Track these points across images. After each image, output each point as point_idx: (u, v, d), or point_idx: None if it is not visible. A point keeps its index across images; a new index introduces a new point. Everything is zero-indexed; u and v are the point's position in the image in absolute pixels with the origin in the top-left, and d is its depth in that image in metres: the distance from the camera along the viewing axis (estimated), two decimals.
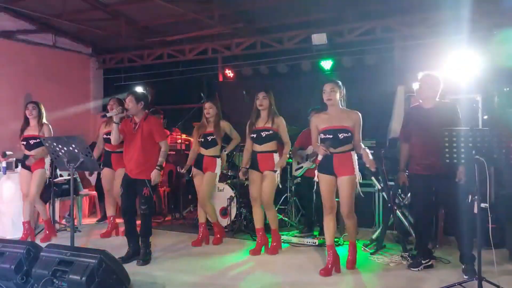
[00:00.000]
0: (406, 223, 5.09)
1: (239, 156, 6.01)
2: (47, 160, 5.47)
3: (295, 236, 5.44)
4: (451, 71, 6.02)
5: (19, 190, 5.67)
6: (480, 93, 5.31)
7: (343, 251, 4.53)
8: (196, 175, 5.32)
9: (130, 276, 3.65)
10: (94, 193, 7.04)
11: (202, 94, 6.49)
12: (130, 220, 4.68)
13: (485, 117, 5.37)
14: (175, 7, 6.58)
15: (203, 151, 5.25)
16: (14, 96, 7.73)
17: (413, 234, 4.79)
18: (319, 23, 7.31)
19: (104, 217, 6.70)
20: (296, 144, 5.85)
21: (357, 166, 4.14)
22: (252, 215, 5.76)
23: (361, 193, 4.26)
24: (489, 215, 3.66)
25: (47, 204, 5.91)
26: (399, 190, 5.07)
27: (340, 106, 4.21)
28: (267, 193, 4.78)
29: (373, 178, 5.25)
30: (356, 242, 4.46)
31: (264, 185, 4.79)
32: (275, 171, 4.78)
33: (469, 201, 4.41)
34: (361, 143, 4.19)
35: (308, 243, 5.21)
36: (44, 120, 5.51)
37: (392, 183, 5.11)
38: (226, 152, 5.30)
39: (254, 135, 4.85)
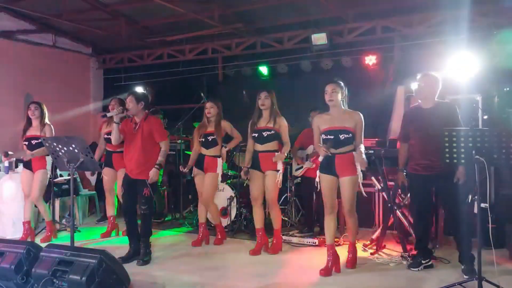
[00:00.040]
0: (406, 223, 5.09)
1: (239, 156, 6.00)
2: (49, 161, 5.47)
3: (295, 236, 5.44)
4: (451, 71, 6.02)
5: (20, 190, 5.67)
6: (480, 93, 5.31)
7: (343, 251, 4.53)
8: (197, 174, 5.32)
9: (130, 276, 3.65)
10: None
11: (202, 94, 6.49)
12: (131, 220, 4.68)
13: (485, 117, 5.37)
14: (175, 7, 6.58)
15: (204, 151, 5.25)
16: (14, 96, 7.73)
17: (413, 234, 4.79)
18: (319, 23, 7.31)
19: (104, 217, 6.70)
20: (296, 144, 5.86)
21: (359, 167, 4.15)
22: (252, 215, 5.79)
23: (364, 193, 4.26)
24: (489, 215, 3.66)
25: (47, 204, 5.91)
26: (399, 190, 5.07)
27: (342, 107, 4.22)
28: (271, 192, 4.79)
29: (373, 178, 5.25)
30: (356, 242, 4.47)
31: (267, 184, 4.80)
32: (277, 170, 4.78)
33: (469, 201, 4.42)
34: (361, 144, 4.19)
35: (308, 243, 5.21)
36: (47, 121, 5.52)
37: (392, 183, 5.11)
38: (226, 149, 5.29)
39: (256, 135, 4.86)
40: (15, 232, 5.69)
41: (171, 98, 8.73)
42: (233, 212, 5.91)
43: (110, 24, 7.73)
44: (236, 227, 5.78)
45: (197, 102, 6.58)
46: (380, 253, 4.79)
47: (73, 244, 3.94)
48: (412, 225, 4.90)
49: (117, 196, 5.69)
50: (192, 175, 5.42)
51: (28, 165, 5.49)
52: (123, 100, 5.17)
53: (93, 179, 7.12)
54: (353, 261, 4.33)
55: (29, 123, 5.52)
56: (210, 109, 5.22)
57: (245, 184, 6.05)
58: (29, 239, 5.39)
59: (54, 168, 5.79)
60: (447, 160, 3.52)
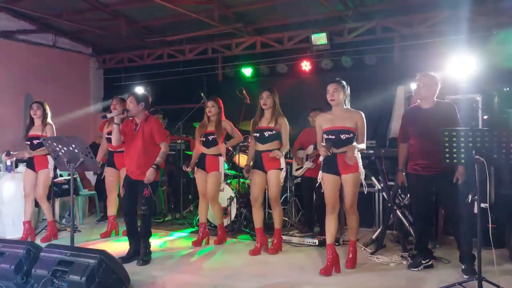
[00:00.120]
0: (406, 223, 5.09)
1: (239, 156, 6.00)
2: (51, 160, 5.47)
3: (295, 236, 5.44)
4: (451, 71, 6.03)
5: (20, 190, 5.67)
6: (480, 93, 5.31)
7: (343, 251, 4.53)
8: (198, 173, 5.32)
9: (130, 276, 3.66)
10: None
11: (202, 94, 6.49)
12: (131, 220, 4.69)
13: (485, 117, 5.37)
14: (175, 7, 6.58)
15: (205, 150, 5.25)
16: (14, 96, 7.74)
17: (413, 234, 4.80)
18: (319, 23, 7.31)
19: (104, 217, 6.70)
20: (296, 144, 5.86)
21: (361, 164, 4.20)
22: (252, 215, 5.79)
23: (364, 191, 4.26)
24: (489, 215, 3.66)
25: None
26: (399, 190, 5.08)
27: (344, 106, 4.23)
28: (274, 191, 4.80)
29: (373, 178, 5.25)
30: (357, 241, 4.47)
31: (270, 182, 4.80)
32: (281, 169, 4.79)
33: (469, 201, 4.42)
34: (362, 143, 4.21)
35: (308, 243, 5.21)
36: (49, 120, 5.52)
37: (392, 183, 5.11)
38: (226, 145, 5.27)
39: (257, 135, 4.86)
40: (15, 232, 5.69)
41: (171, 98, 8.74)
42: (233, 212, 5.91)
43: (110, 24, 7.74)
44: (236, 227, 5.78)
45: (197, 102, 6.57)
46: (380, 253, 4.78)
47: (73, 244, 3.93)
48: (412, 225, 4.91)
49: (119, 195, 5.68)
50: (193, 175, 5.42)
51: (30, 165, 5.50)
52: (124, 99, 5.16)
53: (93, 179, 7.12)
54: (353, 261, 4.33)
55: (31, 122, 5.53)
56: (211, 108, 5.22)
57: (242, 183, 6.05)
58: (29, 239, 5.40)
59: (54, 168, 5.79)
60: (447, 160, 3.52)
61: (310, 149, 5.70)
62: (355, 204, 4.23)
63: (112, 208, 5.83)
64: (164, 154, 4.63)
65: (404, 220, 5.09)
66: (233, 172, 6.44)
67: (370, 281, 4.02)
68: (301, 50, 7.68)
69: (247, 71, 8.33)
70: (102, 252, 3.39)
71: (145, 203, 4.55)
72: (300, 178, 6.01)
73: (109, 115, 4.82)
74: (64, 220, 6.53)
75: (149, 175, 4.49)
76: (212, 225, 5.80)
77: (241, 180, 6.04)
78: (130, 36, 8.08)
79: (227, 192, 5.96)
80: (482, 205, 3.64)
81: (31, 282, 3.53)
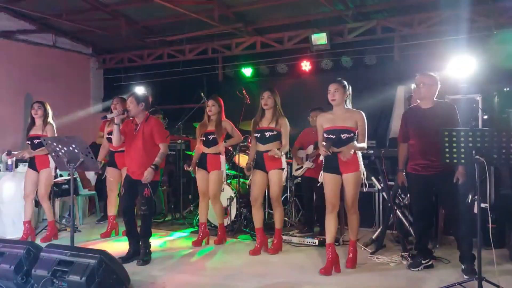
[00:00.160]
0: (406, 223, 5.09)
1: (239, 156, 6.00)
2: (52, 159, 5.47)
3: (295, 236, 5.44)
4: (451, 71, 6.03)
5: (20, 190, 5.67)
6: (480, 93, 5.31)
7: (343, 251, 4.54)
8: (199, 173, 5.32)
9: (130, 276, 3.66)
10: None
11: (202, 94, 6.49)
12: (130, 220, 4.69)
13: (485, 117, 5.38)
14: (175, 7, 6.58)
15: (205, 149, 5.25)
16: (14, 96, 7.73)
17: (413, 234, 4.80)
18: (319, 23, 7.31)
19: (104, 217, 6.70)
20: (296, 144, 5.86)
21: (362, 163, 4.23)
22: (252, 215, 5.79)
23: (364, 189, 4.28)
24: (489, 215, 3.66)
25: None
26: (399, 190, 5.08)
27: (346, 106, 4.25)
28: (276, 190, 4.80)
29: (373, 178, 5.25)
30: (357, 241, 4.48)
31: (272, 181, 4.80)
32: (282, 169, 4.80)
33: (469, 201, 4.42)
34: (363, 143, 4.22)
35: (308, 243, 5.21)
36: (50, 120, 5.52)
37: (392, 183, 5.12)
38: (225, 144, 5.27)
39: (258, 135, 4.87)
40: (15, 232, 5.69)
41: (171, 98, 8.74)
42: (233, 212, 5.91)
43: (110, 24, 7.73)
44: (236, 227, 5.78)
45: (197, 102, 6.57)
46: (380, 253, 4.78)
47: (73, 244, 3.94)
48: (412, 225, 4.91)
49: (119, 195, 5.69)
50: (194, 174, 5.43)
51: (32, 164, 5.51)
52: (125, 99, 5.16)
53: (93, 179, 7.12)
54: (353, 261, 4.34)
55: (32, 122, 5.54)
56: (212, 107, 5.23)
57: (247, 185, 6.04)
58: (29, 239, 5.40)
59: (54, 167, 5.79)
60: (447, 160, 3.52)
61: (310, 149, 5.70)
62: (356, 203, 4.25)
63: (112, 208, 5.83)
64: (163, 155, 4.63)
65: (404, 220, 5.09)
66: (233, 172, 6.44)
67: (370, 281, 4.02)
68: (301, 50, 7.68)
69: (247, 71, 8.35)
70: (102, 252, 3.39)
71: (145, 203, 4.55)
72: (300, 178, 6.01)
73: (109, 116, 4.82)
74: (64, 220, 6.53)
75: (147, 175, 4.48)
76: (212, 225, 5.80)
77: (241, 180, 6.04)
78: (130, 36, 8.07)
79: (227, 192, 5.96)
80: (482, 205, 3.64)
81: (31, 282, 3.54)
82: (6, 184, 5.81)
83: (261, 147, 4.85)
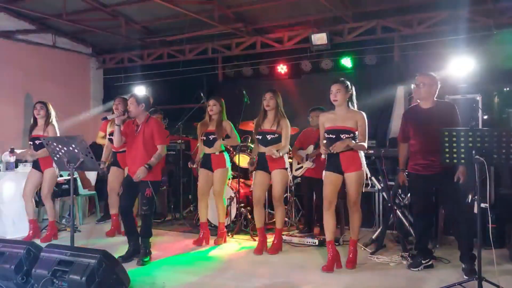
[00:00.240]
0: (406, 223, 5.09)
1: (239, 156, 6.00)
2: None
3: (295, 236, 5.44)
4: (451, 71, 6.03)
5: (20, 190, 5.67)
6: (480, 93, 5.31)
7: (343, 251, 4.54)
8: (202, 172, 5.34)
9: (130, 276, 3.65)
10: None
11: (201, 94, 6.49)
12: (129, 219, 4.70)
13: (485, 117, 5.38)
14: (175, 7, 6.58)
15: (207, 150, 5.27)
16: (14, 96, 7.73)
17: (413, 234, 4.80)
18: (319, 23, 7.31)
19: (104, 217, 6.71)
20: (296, 144, 5.86)
21: (365, 163, 4.28)
22: (251, 215, 5.79)
23: (363, 188, 4.32)
24: (489, 215, 3.66)
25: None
26: (399, 190, 5.08)
27: (348, 106, 4.28)
28: (278, 190, 4.82)
29: (373, 178, 5.25)
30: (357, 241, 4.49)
31: (275, 181, 4.82)
32: (285, 169, 4.82)
33: (469, 201, 4.42)
34: (363, 142, 4.24)
35: (308, 243, 5.21)
36: (52, 120, 5.52)
37: (392, 183, 5.12)
38: (222, 142, 5.27)
39: (260, 137, 4.88)
40: (15, 232, 5.69)
41: (171, 98, 8.73)
42: (233, 212, 5.91)
43: (110, 24, 7.73)
44: (236, 227, 5.78)
45: (197, 102, 6.58)
46: (380, 253, 4.78)
47: (73, 244, 3.94)
48: (412, 225, 4.91)
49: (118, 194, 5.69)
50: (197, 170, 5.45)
51: (36, 165, 5.52)
52: (126, 99, 5.17)
53: (93, 179, 7.12)
54: (353, 261, 4.34)
55: (35, 122, 5.54)
56: (213, 106, 5.23)
57: (251, 188, 6.04)
58: (35, 237, 5.44)
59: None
60: (447, 160, 3.52)
61: (310, 149, 5.70)
62: (359, 202, 4.31)
63: (114, 207, 5.83)
64: (160, 156, 4.61)
65: (404, 220, 5.09)
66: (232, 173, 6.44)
67: (370, 281, 4.02)
68: (301, 50, 7.68)
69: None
70: (102, 252, 3.39)
71: (146, 203, 4.56)
72: (300, 178, 6.01)
73: (109, 117, 4.83)
74: (64, 220, 6.53)
75: (139, 173, 4.48)
76: (212, 225, 5.79)
77: (241, 180, 6.04)
78: (130, 36, 8.08)
79: (227, 192, 5.96)
80: (482, 205, 3.64)
81: (31, 282, 3.53)
82: (6, 184, 5.81)
83: (263, 149, 4.87)
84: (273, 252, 4.87)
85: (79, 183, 6.66)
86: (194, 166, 5.42)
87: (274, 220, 5.11)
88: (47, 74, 8.22)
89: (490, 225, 3.86)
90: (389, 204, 4.98)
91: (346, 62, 7.48)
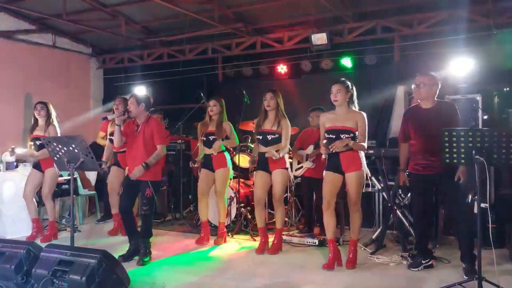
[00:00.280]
0: (406, 223, 5.08)
1: (239, 156, 6.00)
2: None
3: (295, 236, 5.44)
4: (451, 71, 6.03)
5: (20, 190, 5.68)
6: (480, 93, 5.32)
7: (343, 251, 4.54)
8: (203, 173, 5.35)
9: (130, 276, 3.65)
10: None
11: (201, 94, 6.49)
12: (129, 218, 4.71)
13: (485, 117, 5.38)
14: (175, 7, 6.58)
15: (207, 150, 5.27)
16: (14, 96, 7.73)
17: (413, 234, 4.80)
18: (319, 23, 7.31)
19: (104, 217, 6.71)
20: (296, 144, 5.86)
21: (365, 163, 4.30)
22: (251, 215, 5.79)
23: (363, 189, 4.35)
24: (489, 215, 3.66)
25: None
26: (399, 190, 5.07)
27: (349, 107, 4.29)
28: (279, 190, 4.83)
29: (373, 178, 5.25)
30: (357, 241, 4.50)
31: (275, 181, 4.83)
32: (286, 169, 4.83)
33: (469, 201, 4.42)
34: (363, 143, 4.25)
35: (308, 243, 5.21)
36: (53, 120, 5.52)
37: (392, 183, 5.11)
38: (221, 142, 5.27)
39: (260, 137, 4.89)
40: (15, 232, 5.69)
41: (171, 98, 8.73)
42: (233, 212, 5.91)
43: (110, 24, 7.73)
44: (236, 227, 5.78)
45: (197, 102, 6.58)
46: (380, 253, 4.78)
47: (73, 244, 3.94)
48: (412, 225, 4.91)
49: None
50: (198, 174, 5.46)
51: (37, 165, 5.53)
52: (127, 99, 5.17)
53: (93, 179, 7.12)
54: (353, 261, 4.34)
55: (36, 123, 5.54)
56: (213, 107, 5.24)
57: (251, 188, 6.03)
58: (39, 236, 5.47)
59: None
60: (447, 160, 3.52)
61: (310, 149, 5.70)
62: (359, 201, 4.33)
63: (115, 206, 5.83)
64: (158, 156, 4.60)
65: (404, 220, 5.09)
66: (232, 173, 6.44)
67: (370, 281, 4.02)
68: (301, 50, 7.68)
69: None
70: (102, 252, 3.39)
71: (146, 203, 4.56)
72: (300, 178, 6.01)
73: (110, 116, 4.83)
74: (64, 220, 6.53)
75: (136, 172, 4.49)
76: (212, 225, 5.79)
77: (241, 180, 6.04)
78: (130, 36, 8.07)
79: (227, 192, 5.96)
80: (482, 205, 3.64)
81: (31, 282, 3.54)
82: (6, 184, 5.81)
83: (264, 149, 4.87)
84: (273, 252, 4.87)
85: (79, 183, 6.67)
86: (196, 165, 5.43)
87: (274, 220, 5.12)
88: (47, 74, 8.22)
89: (490, 225, 3.86)
90: (389, 204, 4.98)
91: (346, 62, 7.47)
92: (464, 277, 3.86)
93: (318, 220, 5.55)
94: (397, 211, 4.99)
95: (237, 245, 5.33)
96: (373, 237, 5.16)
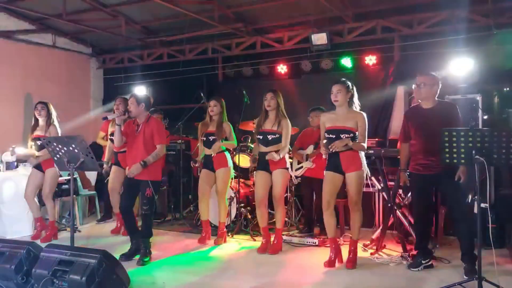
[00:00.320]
0: (406, 223, 5.08)
1: (239, 156, 6.00)
2: None
3: (295, 236, 5.44)
4: (451, 71, 6.03)
5: (19, 190, 5.68)
6: (480, 93, 5.32)
7: (343, 251, 4.54)
8: (204, 173, 5.35)
9: (130, 276, 3.66)
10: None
11: (201, 94, 6.49)
12: (129, 218, 4.71)
13: (485, 117, 5.38)
14: (175, 7, 6.58)
15: (207, 151, 5.27)
16: (14, 96, 7.73)
17: (413, 234, 4.80)
18: (319, 23, 7.31)
19: (104, 217, 6.71)
20: (296, 144, 5.86)
21: (365, 163, 4.32)
22: (251, 215, 5.79)
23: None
24: (489, 215, 3.66)
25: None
26: (399, 190, 5.07)
27: (349, 107, 4.31)
28: (279, 190, 4.83)
29: (373, 178, 5.25)
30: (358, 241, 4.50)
31: (275, 181, 4.83)
32: (286, 169, 4.84)
33: (469, 201, 4.42)
34: (363, 143, 4.26)
35: (308, 243, 5.21)
36: (54, 120, 5.52)
37: (392, 183, 5.11)
38: (220, 144, 5.28)
39: (261, 137, 4.89)
40: (15, 232, 5.69)
41: (171, 98, 8.73)
42: (233, 212, 5.91)
43: (110, 24, 7.73)
44: (236, 227, 5.78)
45: (197, 102, 6.58)
46: (380, 253, 4.78)
47: (73, 244, 3.94)
48: (412, 225, 4.91)
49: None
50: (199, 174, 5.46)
51: (38, 165, 5.53)
52: (127, 99, 5.17)
53: (93, 179, 7.12)
54: (353, 261, 4.35)
55: (36, 123, 5.55)
56: (214, 107, 5.24)
57: (251, 189, 6.03)
58: (43, 234, 5.50)
59: None
60: (447, 160, 3.52)
61: (310, 149, 5.70)
62: (360, 201, 4.34)
63: (117, 206, 5.84)
64: (157, 155, 4.59)
65: (404, 220, 5.09)
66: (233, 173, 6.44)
67: (370, 281, 4.02)
68: (301, 50, 7.68)
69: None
70: (102, 252, 3.39)
71: (146, 203, 4.56)
72: (300, 178, 6.01)
73: (110, 116, 4.83)
74: (64, 220, 6.53)
75: (133, 170, 4.50)
76: (212, 225, 5.79)
77: (241, 180, 6.04)
78: (130, 36, 8.07)
79: (228, 192, 5.95)
80: (482, 205, 3.64)
81: (31, 282, 3.54)
82: (6, 184, 5.81)
83: (264, 149, 4.88)
84: (273, 252, 4.87)
85: (79, 183, 6.67)
86: (197, 165, 5.43)
87: (274, 220, 5.12)
88: (47, 74, 8.22)
89: (490, 225, 3.86)
90: (389, 204, 4.98)
91: (346, 62, 7.47)
92: (464, 277, 3.86)
93: (318, 220, 5.55)
94: (397, 211, 4.99)
95: (237, 245, 5.33)
96: (373, 237, 5.16)
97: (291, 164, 6.09)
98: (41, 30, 8.18)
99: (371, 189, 5.47)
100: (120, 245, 5.03)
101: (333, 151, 4.20)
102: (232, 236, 5.60)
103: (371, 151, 5.00)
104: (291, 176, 6.11)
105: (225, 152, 5.32)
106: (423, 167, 4.11)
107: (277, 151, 4.74)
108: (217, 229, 5.49)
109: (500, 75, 6.15)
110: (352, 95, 4.32)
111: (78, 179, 6.67)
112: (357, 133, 4.25)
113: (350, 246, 4.41)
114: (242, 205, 5.92)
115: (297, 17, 7.27)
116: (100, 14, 7.40)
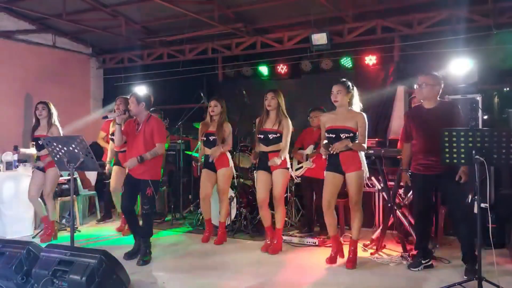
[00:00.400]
0: (406, 223, 5.08)
1: (239, 156, 6.00)
2: None
3: (295, 236, 5.44)
4: (451, 71, 6.03)
5: (19, 190, 5.68)
6: (480, 93, 5.32)
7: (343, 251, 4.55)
8: (205, 173, 5.36)
9: (130, 276, 3.66)
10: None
11: (201, 94, 6.49)
12: (131, 217, 4.72)
13: (485, 117, 5.37)
14: (175, 7, 6.58)
15: (207, 151, 5.27)
16: (14, 96, 7.73)
17: (413, 234, 4.80)
18: (319, 23, 7.31)
19: (104, 217, 6.71)
20: (296, 144, 5.87)
21: (365, 163, 4.32)
22: (251, 215, 5.79)
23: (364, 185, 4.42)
24: (489, 215, 3.66)
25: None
26: (399, 190, 5.07)
27: (349, 107, 4.32)
28: (279, 190, 4.84)
29: (373, 178, 5.25)
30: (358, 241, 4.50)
31: (276, 181, 4.84)
32: (287, 168, 4.84)
33: (469, 201, 4.42)
34: (363, 143, 4.27)
35: (308, 243, 5.21)
36: (55, 121, 5.52)
37: (392, 183, 5.11)
38: (221, 149, 5.28)
39: (262, 136, 4.89)
40: (15, 232, 5.69)
41: (171, 98, 8.73)
42: (233, 212, 5.91)
43: (110, 24, 7.73)
44: (236, 227, 5.78)
45: (197, 102, 6.58)
46: (380, 253, 4.78)
47: (73, 244, 3.94)
48: (412, 225, 4.91)
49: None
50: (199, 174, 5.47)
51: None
52: (128, 99, 5.17)
53: (93, 179, 7.12)
54: (353, 261, 4.35)
55: (37, 123, 5.54)
56: (214, 107, 5.24)
57: (242, 181, 6.03)
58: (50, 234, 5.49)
59: None
60: (447, 160, 3.52)
61: (310, 149, 5.70)
62: (360, 201, 4.36)
63: (118, 205, 5.84)
64: (155, 153, 4.58)
65: (404, 220, 5.09)
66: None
67: (370, 281, 4.02)
68: (301, 50, 7.68)
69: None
70: (102, 252, 3.39)
71: (147, 202, 4.56)
72: (300, 178, 6.01)
73: (110, 116, 4.83)
74: (64, 220, 6.53)
75: (129, 163, 4.51)
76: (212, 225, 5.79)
77: (241, 180, 6.04)
78: (130, 36, 8.07)
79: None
80: (482, 205, 3.64)
81: (31, 282, 3.54)
82: (6, 184, 5.81)
83: (265, 148, 4.88)
84: (273, 252, 4.87)
85: (79, 183, 6.67)
86: (199, 164, 5.44)
87: (274, 220, 5.12)
88: (47, 74, 8.21)
89: (490, 225, 3.86)
90: (389, 204, 4.98)
91: (346, 62, 7.47)
92: (464, 277, 3.86)
93: (318, 220, 5.55)
94: (397, 211, 4.99)
95: (237, 245, 5.33)
96: (373, 237, 5.16)
97: (291, 164, 6.10)
98: (41, 30, 8.18)
99: (371, 189, 5.48)
100: (120, 245, 5.03)
101: (333, 152, 4.20)
102: (232, 236, 5.60)
103: (371, 151, 5.00)
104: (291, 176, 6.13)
105: (225, 152, 5.32)
106: (424, 167, 4.11)
107: (277, 151, 4.74)
108: (217, 229, 5.49)
109: (500, 75, 6.16)
110: (352, 96, 4.33)
111: (78, 179, 6.67)
112: (357, 133, 4.26)
113: (350, 246, 4.41)
114: (242, 205, 5.92)
115: (297, 17, 7.27)
116: (100, 14, 7.40)
